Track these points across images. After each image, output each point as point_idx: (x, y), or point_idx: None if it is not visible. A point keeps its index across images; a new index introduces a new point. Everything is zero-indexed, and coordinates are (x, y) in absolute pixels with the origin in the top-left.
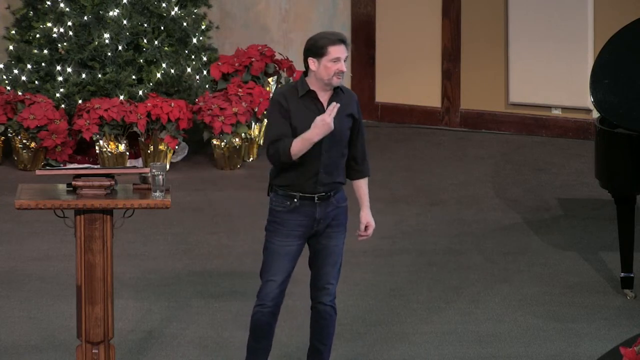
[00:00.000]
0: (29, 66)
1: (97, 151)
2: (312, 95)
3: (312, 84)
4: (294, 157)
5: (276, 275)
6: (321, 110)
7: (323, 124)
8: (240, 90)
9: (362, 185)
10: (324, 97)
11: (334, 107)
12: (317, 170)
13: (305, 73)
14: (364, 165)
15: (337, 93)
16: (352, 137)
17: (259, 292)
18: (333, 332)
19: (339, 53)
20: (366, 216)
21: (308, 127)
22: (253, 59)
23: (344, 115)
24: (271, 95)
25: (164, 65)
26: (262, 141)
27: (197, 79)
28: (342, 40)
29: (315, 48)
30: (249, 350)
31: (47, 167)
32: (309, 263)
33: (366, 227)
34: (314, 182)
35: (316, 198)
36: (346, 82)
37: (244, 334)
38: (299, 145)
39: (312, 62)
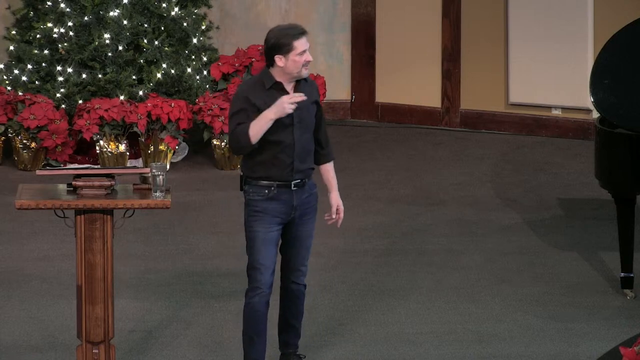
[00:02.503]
0: (29, 66)
1: (98, 151)
2: (279, 86)
3: (279, 76)
4: (252, 139)
5: (267, 261)
6: (275, 95)
7: (282, 103)
8: None
9: (329, 169)
10: (289, 87)
11: (300, 97)
12: (291, 159)
13: (268, 65)
14: (328, 148)
15: (300, 82)
16: (316, 122)
17: (252, 280)
18: (303, 308)
19: (304, 46)
20: (336, 199)
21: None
22: (253, 59)
23: (309, 104)
24: (237, 89)
25: (164, 65)
26: None
27: (197, 79)
28: (303, 33)
29: (280, 45)
30: (248, 342)
31: (48, 167)
32: (281, 248)
33: (337, 210)
34: (289, 170)
35: (293, 185)
36: (345, 82)
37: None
38: (256, 125)
39: (279, 59)
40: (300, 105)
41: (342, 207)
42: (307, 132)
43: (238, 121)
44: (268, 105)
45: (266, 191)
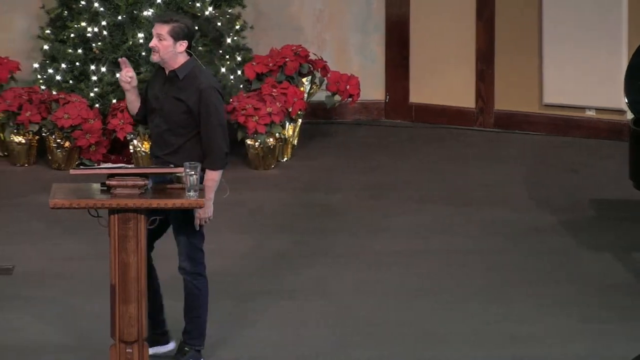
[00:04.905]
0: (63, 66)
1: (131, 151)
2: (161, 68)
3: None
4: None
5: None
6: (161, 81)
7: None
8: (274, 90)
9: (206, 176)
10: (166, 72)
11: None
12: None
13: None
14: (208, 158)
15: (171, 76)
16: (199, 127)
17: None
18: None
19: (153, 30)
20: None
21: (151, 90)
22: (287, 59)
23: (171, 97)
24: None
25: None
26: (295, 141)
27: (231, 79)
28: (156, 20)
29: None
30: None
31: (81, 167)
32: None
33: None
34: (151, 153)
35: None
36: (379, 83)
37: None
38: None
39: None
40: (164, 93)
41: (200, 213)
42: (166, 124)
43: None
44: (151, 78)
45: None
